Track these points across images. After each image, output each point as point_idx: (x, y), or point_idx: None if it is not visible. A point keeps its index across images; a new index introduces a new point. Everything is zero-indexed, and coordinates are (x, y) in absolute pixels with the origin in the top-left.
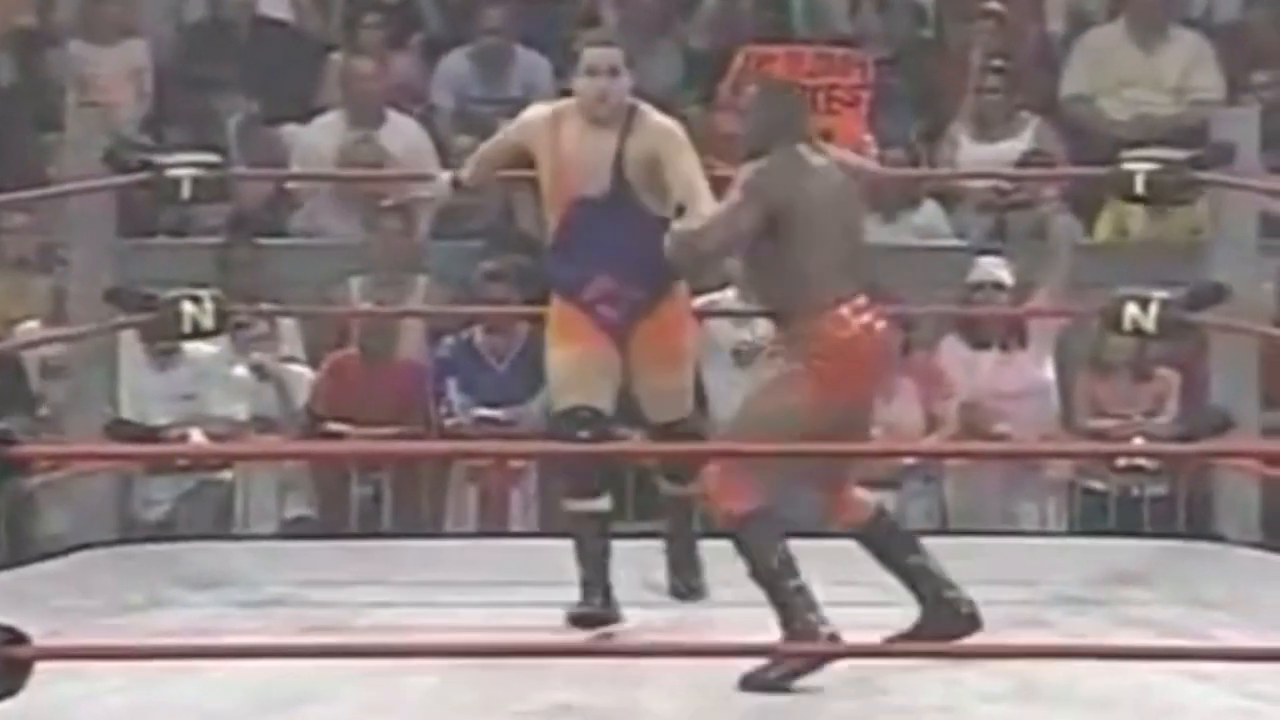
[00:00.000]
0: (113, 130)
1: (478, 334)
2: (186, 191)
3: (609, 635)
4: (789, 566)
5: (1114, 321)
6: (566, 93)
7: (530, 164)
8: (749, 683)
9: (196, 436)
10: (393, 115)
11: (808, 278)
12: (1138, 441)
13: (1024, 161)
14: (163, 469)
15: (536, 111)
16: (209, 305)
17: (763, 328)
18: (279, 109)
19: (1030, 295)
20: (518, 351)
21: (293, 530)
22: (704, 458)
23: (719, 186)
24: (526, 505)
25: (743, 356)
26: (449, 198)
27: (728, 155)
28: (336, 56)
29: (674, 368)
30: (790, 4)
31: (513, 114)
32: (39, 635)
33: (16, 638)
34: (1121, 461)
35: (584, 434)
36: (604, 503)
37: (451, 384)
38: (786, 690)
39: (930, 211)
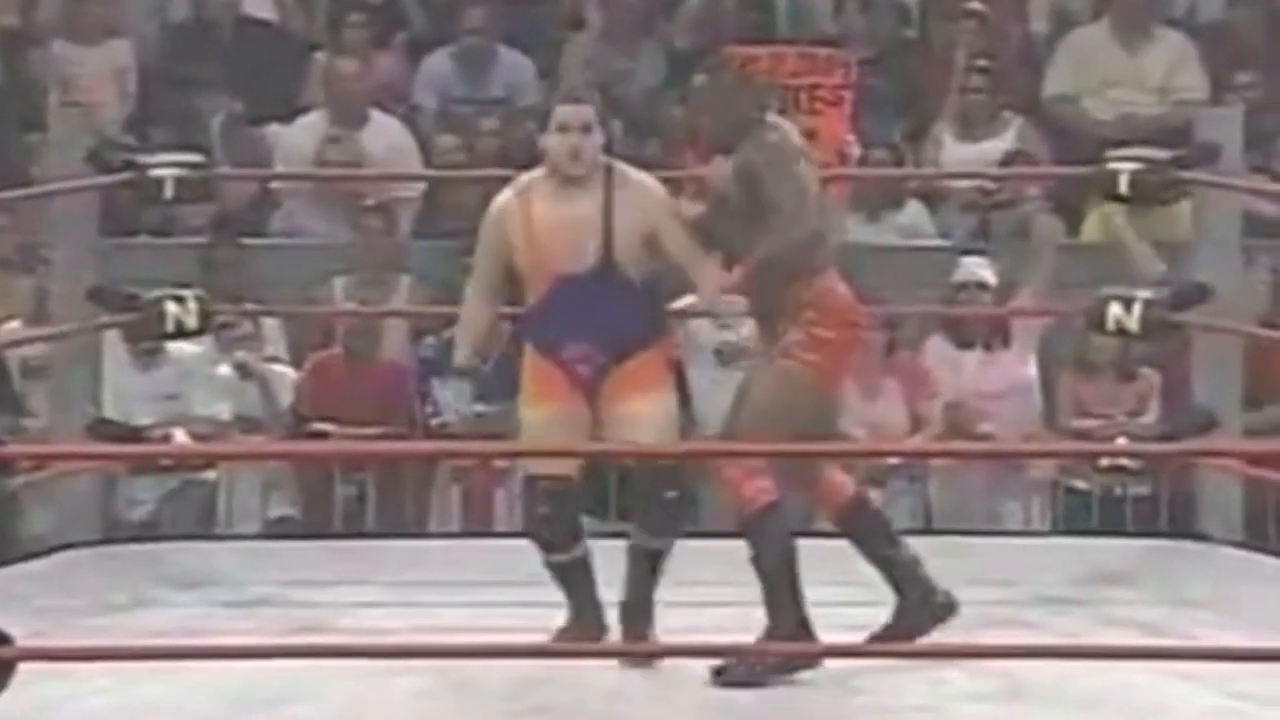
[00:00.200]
0: (96, 130)
1: None
2: (170, 191)
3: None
4: (791, 566)
5: (1098, 321)
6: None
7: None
8: (722, 676)
9: (180, 436)
10: (376, 115)
11: (817, 235)
12: (1121, 441)
13: (1007, 161)
14: (146, 469)
15: (497, 204)
16: (192, 305)
17: (746, 328)
18: (262, 109)
19: (1013, 295)
20: (501, 351)
21: (276, 530)
22: (681, 457)
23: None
24: (511, 505)
25: (724, 356)
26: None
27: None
28: (320, 56)
29: (646, 393)
30: (774, 4)
31: (495, 114)
32: (22, 635)
33: (0, 638)
34: (1105, 461)
35: (544, 509)
36: (580, 549)
37: (436, 383)
38: (761, 685)
39: (914, 211)
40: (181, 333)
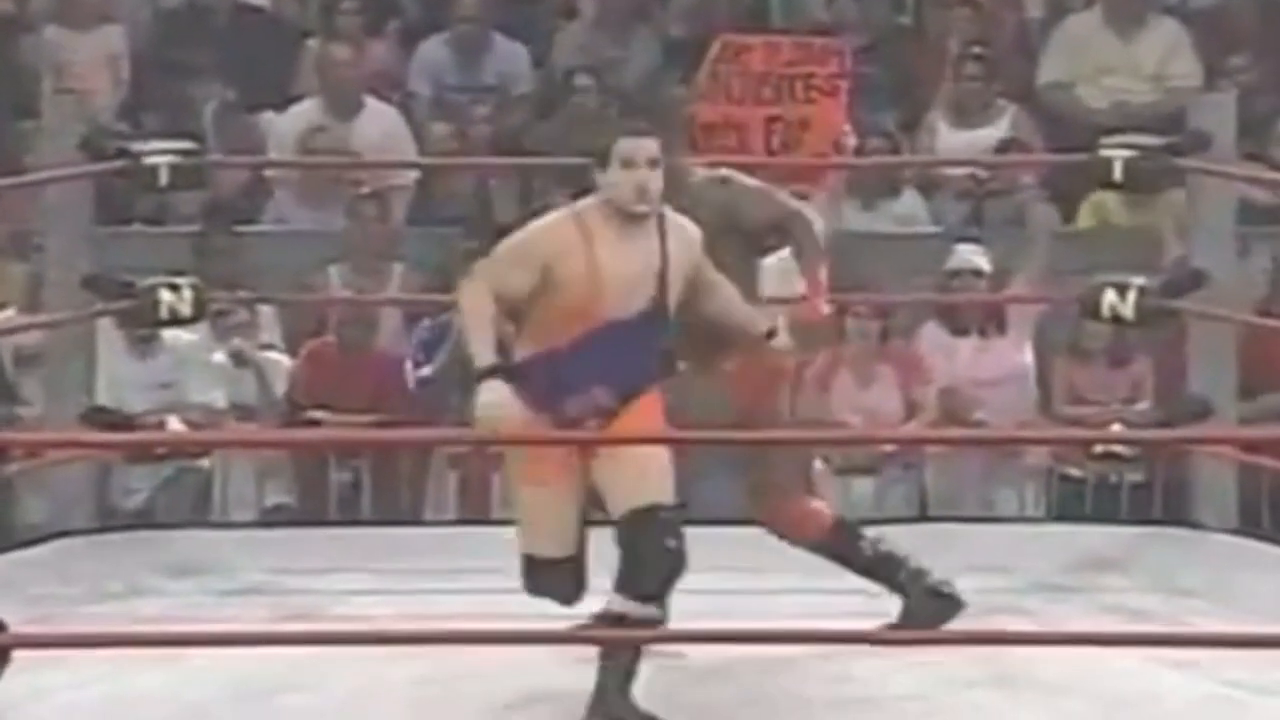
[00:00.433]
0: (89, 117)
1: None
2: (163, 179)
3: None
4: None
5: (1092, 308)
6: (550, 101)
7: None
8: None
9: (175, 424)
10: (370, 102)
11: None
12: (1116, 428)
13: (1001, 149)
14: (141, 457)
15: (555, 232)
16: (187, 293)
17: None
18: (256, 96)
19: (1008, 282)
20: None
21: (272, 518)
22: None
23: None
24: (508, 490)
25: None
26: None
27: (705, 145)
28: (313, 43)
29: (637, 452)
30: None
31: (488, 102)
32: (18, 623)
33: None
34: (1099, 448)
35: (559, 593)
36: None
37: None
38: None
39: (910, 200)
40: (176, 320)
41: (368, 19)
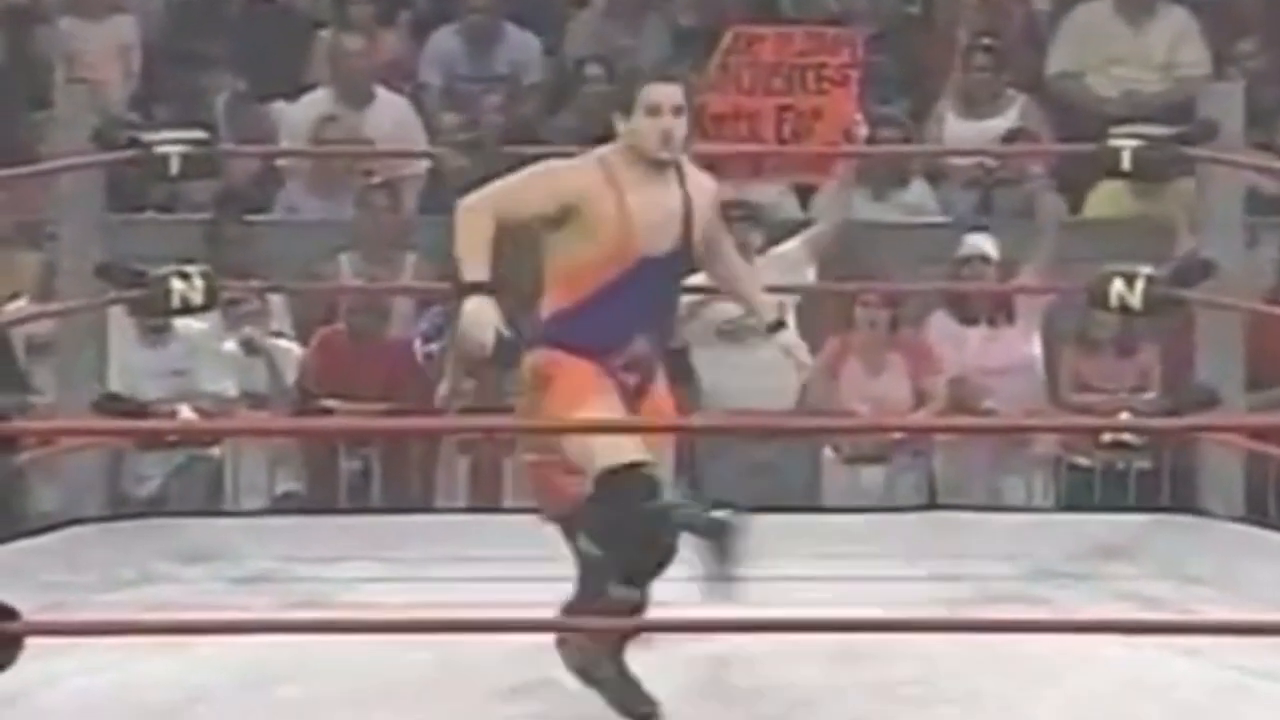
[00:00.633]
0: (101, 107)
1: None
2: (175, 168)
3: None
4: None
5: (1100, 298)
6: (561, 90)
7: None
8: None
9: (186, 412)
10: (382, 93)
11: None
12: (1124, 417)
13: (1010, 138)
14: (153, 445)
15: (581, 168)
16: (199, 281)
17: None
18: (267, 86)
19: (1016, 272)
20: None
21: (282, 506)
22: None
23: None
24: (519, 477)
25: (728, 333)
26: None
27: (715, 135)
28: (325, 33)
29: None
30: None
31: (500, 91)
32: (30, 611)
33: (7, 613)
34: (1107, 437)
35: (648, 504)
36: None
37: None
38: None
39: (919, 189)
40: (188, 309)
41: (379, 9)
